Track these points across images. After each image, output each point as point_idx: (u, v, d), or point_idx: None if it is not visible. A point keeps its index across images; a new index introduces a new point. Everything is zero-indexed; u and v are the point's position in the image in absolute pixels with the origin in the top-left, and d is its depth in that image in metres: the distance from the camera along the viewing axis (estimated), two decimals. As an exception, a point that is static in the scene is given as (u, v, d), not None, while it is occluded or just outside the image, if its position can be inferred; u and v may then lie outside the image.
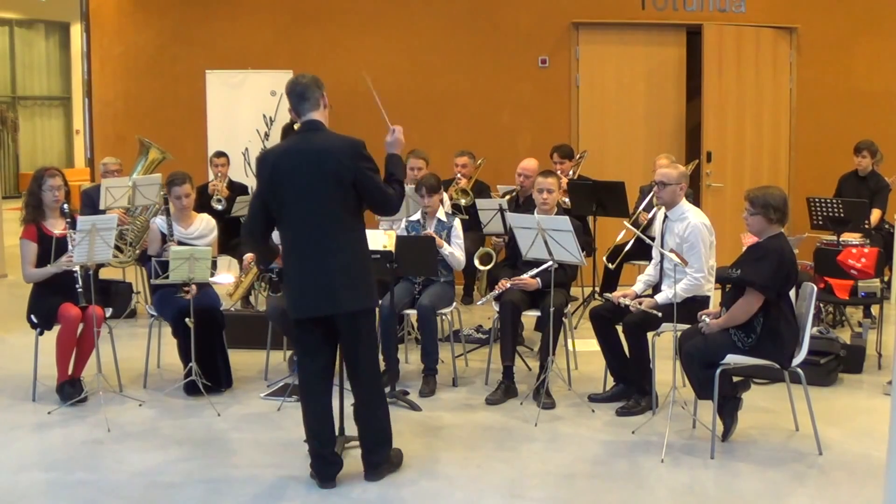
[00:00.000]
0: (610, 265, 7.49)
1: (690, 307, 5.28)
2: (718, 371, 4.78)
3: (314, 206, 4.21)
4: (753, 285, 4.69)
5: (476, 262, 6.34)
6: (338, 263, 4.23)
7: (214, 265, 5.78)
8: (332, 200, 4.21)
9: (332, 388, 4.47)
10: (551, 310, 5.55)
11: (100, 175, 7.99)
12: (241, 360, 6.35)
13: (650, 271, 5.67)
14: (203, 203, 7.74)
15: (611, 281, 7.93)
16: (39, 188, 5.67)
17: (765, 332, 4.72)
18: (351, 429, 4.56)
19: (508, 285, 5.82)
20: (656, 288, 5.57)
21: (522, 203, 7.33)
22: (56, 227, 5.65)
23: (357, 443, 4.53)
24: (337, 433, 4.60)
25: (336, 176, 4.19)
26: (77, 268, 5.47)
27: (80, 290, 5.46)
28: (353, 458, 4.57)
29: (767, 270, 4.65)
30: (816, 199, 7.23)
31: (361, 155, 4.24)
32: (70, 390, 5.58)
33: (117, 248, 7.04)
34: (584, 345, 6.48)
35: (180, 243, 5.88)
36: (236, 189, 8.48)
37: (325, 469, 4.40)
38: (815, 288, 4.98)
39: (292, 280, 4.33)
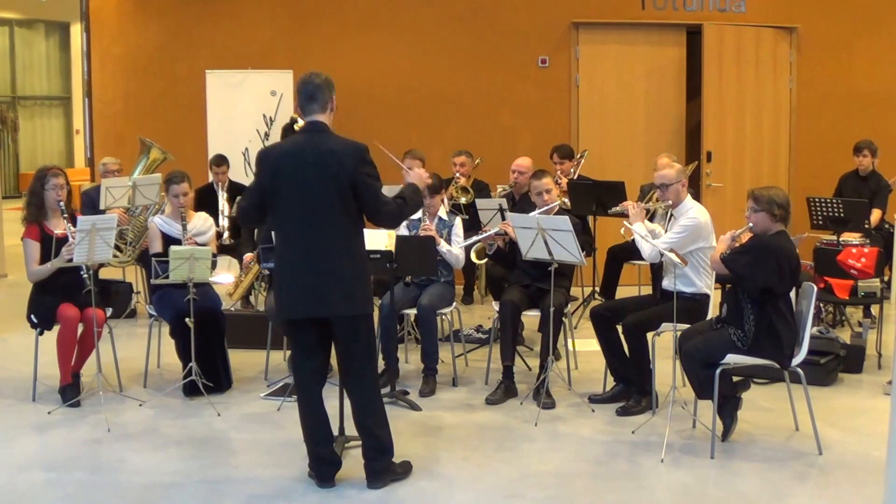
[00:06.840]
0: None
1: (690, 307, 5.29)
2: (718, 371, 4.78)
3: (313, 209, 4.19)
4: (725, 259, 4.85)
5: (472, 256, 6.32)
6: (333, 266, 4.20)
7: (215, 264, 5.77)
8: (331, 204, 4.18)
9: (325, 388, 4.44)
10: (551, 310, 5.55)
11: (99, 175, 7.99)
12: (241, 360, 6.35)
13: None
14: (201, 203, 7.73)
15: (611, 281, 7.94)
16: (42, 188, 5.62)
17: (761, 329, 4.74)
18: (351, 429, 4.55)
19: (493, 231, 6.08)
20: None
21: (518, 201, 7.33)
22: (58, 226, 5.63)
23: (357, 443, 4.52)
24: (337, 433, 4.60)
25: (336, 179, 4.16)
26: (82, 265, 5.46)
27: (84, 275, 5.43)
28: (352, 458, 4.57)
29: (745, 259, 4.75)
30: (816, 199, 7.22)
31: (363, 160, 4.22)
32: (71, 393, 5.57)
33: (117, 247, 7.03)
34: (584, 345, 6.48)
35: (179, 242, 5.87)
36: (236, 190, 8.47)
37: (324, 469, 4.39)
38: (815, 288, 4.99)
39: (284, 280, 4.30)
